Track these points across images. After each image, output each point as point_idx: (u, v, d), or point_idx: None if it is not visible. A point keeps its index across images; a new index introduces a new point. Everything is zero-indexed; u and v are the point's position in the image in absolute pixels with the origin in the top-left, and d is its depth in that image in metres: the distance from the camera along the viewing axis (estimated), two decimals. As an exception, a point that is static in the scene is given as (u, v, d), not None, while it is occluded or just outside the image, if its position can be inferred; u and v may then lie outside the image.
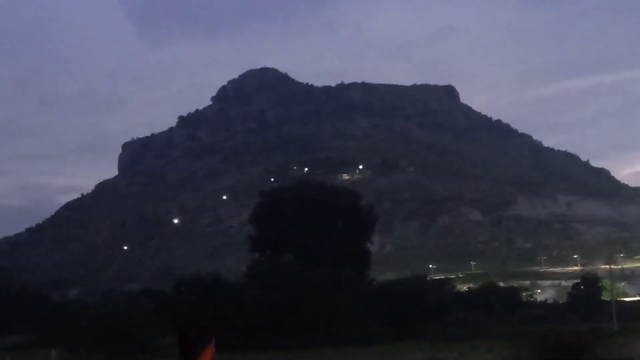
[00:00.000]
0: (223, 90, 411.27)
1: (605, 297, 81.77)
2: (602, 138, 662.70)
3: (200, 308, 48.93)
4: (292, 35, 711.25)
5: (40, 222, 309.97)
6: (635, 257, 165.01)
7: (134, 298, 58.65)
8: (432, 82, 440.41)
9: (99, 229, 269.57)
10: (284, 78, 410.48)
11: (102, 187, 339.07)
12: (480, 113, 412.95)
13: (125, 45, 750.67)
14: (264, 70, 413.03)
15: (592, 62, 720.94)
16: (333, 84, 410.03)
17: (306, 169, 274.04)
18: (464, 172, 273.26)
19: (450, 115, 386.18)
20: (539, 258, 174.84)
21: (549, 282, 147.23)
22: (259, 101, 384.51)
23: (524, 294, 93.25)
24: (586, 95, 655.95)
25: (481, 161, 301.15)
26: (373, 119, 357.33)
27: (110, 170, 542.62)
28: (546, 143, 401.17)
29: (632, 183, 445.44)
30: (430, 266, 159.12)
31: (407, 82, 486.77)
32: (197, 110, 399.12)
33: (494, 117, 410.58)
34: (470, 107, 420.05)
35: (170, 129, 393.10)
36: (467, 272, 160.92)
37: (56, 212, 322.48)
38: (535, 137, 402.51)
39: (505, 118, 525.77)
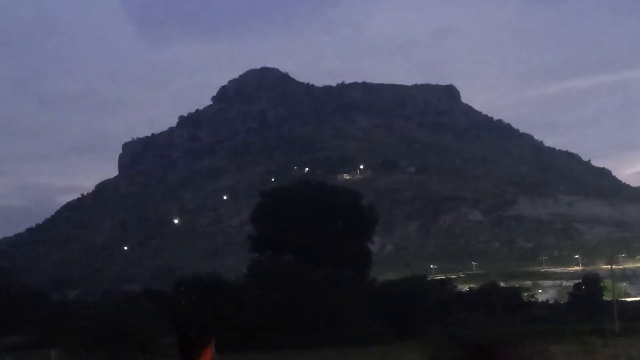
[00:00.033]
0: (223, 90, 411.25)
1: (607, 297, 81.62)
2: (603, 138, 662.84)
3: (201, 308, 48.87)
4: (292, 35, 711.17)
5: (41, 222, 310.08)
6: (637, 257, 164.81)
7: (134, 298, 58.66)
8: (432, 81, 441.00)
9: (99, 229, 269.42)
10: (285, 78, 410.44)
11: (103, 187, 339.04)
12: (481, 113, 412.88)
13: (126, 45, 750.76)
14: (265, 70, 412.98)
15: (592, 62, 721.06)
16: (333, 84, 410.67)
17: (307, 169, 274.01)
18: (464, 172, 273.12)
19: (451, 115, 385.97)
20: (540, 258, 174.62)
21: (550, 282, 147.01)
22: (260, 101, 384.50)
23: (525, 294, 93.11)
24: (587, 95, 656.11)
25: (482, 161, 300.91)
26: (373, 119, 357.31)
27: (110, 170, 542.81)
28: (547, 143, 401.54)
29: (634, 183, 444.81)
30: (431, 266, 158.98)
31: (408, 81, 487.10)
32: (197, 110, 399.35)
33: (495, 117, 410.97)
34: (471, 107, 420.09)
35: (171, 129, 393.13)
36: (468, 272, 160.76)
37: (56, 212, 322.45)
38: (536, 137, 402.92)
39: (506, 118, 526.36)
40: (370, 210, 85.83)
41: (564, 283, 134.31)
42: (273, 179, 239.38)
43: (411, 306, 60.75)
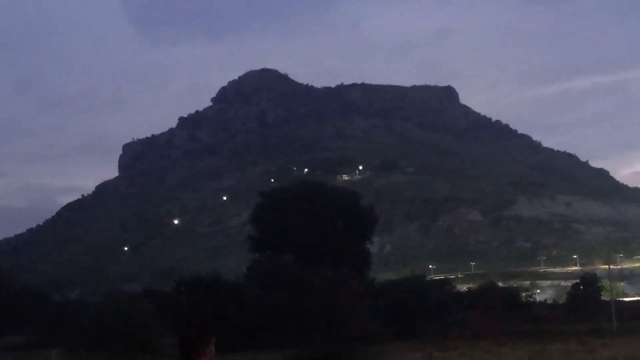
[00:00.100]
0: (223, 91, 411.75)
1: (605, 297, 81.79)
2: (602, 138, 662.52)
3: (201, 308, 49.10)
4: (292, 36, 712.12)
5: (41, 222, 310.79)
6: (635, 257, 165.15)
7: (134, 298, 58.73)
8: (431, 82, 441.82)
9: (100, 229, 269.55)
10: (284, 79, 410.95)
11: (103, 188, 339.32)
12: (479, 113, 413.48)
13: (126, 46, 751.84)
14: (264, 71, 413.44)
15: (592, 62, 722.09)
16: (333, 85, 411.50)
17: (306, 169, 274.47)
18: (463, 172, 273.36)
19: (450, 115, 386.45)
20: (538, 258, 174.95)
21: (548, 282, 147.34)
22: (259, 102, 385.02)
23: (524, 294, 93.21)
24: (586, 95, 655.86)
25: (481, 161, 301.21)
26: (373, 120, 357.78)
27: (110, 171, 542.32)
28: (546, 143, 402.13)
29: (632, 183, 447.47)
30: (430, 266, 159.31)
31: (407, 82, 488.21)
32: (197, 111, 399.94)
33: (494, 118, 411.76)
34: (470, 108, 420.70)
35: (171, 129, 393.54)
36: (467, 272, 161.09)
37: (57, 213, 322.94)
38: (534, 137, 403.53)
39: (505, 118, 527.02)
40: (370, 210, 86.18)
41: (562, 283, 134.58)
42: (273, 180, 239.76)
43: (410, 306, 61.03)
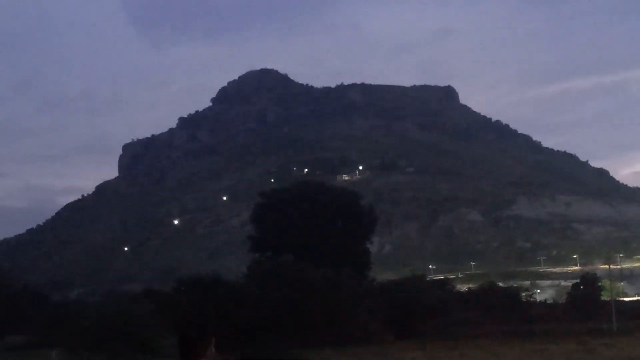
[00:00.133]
0: (223, 91, 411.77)
1: (605, 296, 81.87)
2: (602, 138, 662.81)
3: (201, 308, 49.13)
4: (292, 37, 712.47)
5: (41, 223, 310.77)
6: (635, 256, 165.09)
7: (134, 298, 58.73)
8: (431, 82, 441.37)
9: (100, 229, 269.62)
10: (284, 79, 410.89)
11: (103, 188, 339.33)
12: (479, 113, 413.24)
13: (126, 47, 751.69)
14: (264, 72, 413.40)
15: (592, 62, 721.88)
16: (333, 85, 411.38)
17: (306, 169, 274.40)
18: (463, 172, 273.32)
19: (449, 115, 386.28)
20: (538, 258, 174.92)
21: (548, 282, 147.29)
22: (259, 102, 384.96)
23: (524, 294, 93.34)
24: (586, 95, 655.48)
25: (481, 161, 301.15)
26: (373, 120, 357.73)
27: (110, 171, 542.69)
28: (546, 143, 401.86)
29: (632, 183, 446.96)
30: (430, 266, 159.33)
31: (407, 82, 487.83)
32: (197, 111, 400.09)
33: (494, 118, 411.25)
34: (470, 108, 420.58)
35: (171, 130, 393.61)
36: (467, 272, 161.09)
37: (57, 213, 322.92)
38: (534, 138, 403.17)
39: (505, 118, 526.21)
40: (370, 210, 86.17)
41: (562, 283, 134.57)
42: (273, 180, 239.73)
43: (410, 306, 61.08)
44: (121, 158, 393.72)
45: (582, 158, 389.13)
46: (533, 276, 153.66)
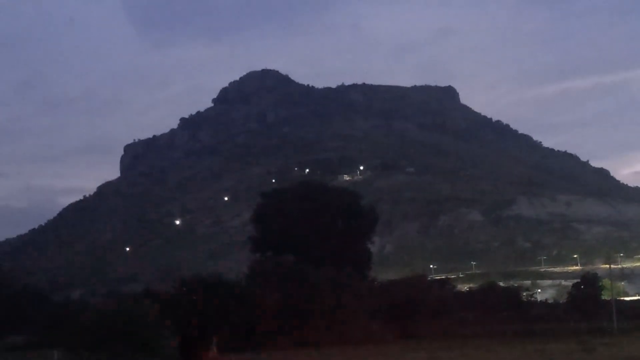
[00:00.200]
0: (224, 92, 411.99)
1: (605, 296, 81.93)
2: (602, 138, 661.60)
3: (202, 308, 49.18)
4: (292, 37, 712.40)
5: (43, 223, 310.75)
6: (635, 256, 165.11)
7: (135, 298, 58.76)
8: (432, 83, 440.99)
9: (101, 230, 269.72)
10: (285, 79, 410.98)
11: (104, 189, 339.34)
12: (480, 113, 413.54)
13: (127, 47, 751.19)
14: (265, 72, 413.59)
15: (592, 62, 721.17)
16: (333, 85, 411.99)
17: (307, 169, 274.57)
18: (463, 172, 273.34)
19: (450, 115, 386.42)
20: (539, 258, 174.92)
21: (549, 282, 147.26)
22: (260, 102, 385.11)
23: (524, 293, 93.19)
24: (586, 95, 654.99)
25: (481, 161, 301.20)
26: (373, 120, 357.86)
27: (112, 171, 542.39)
28: (546, 143, 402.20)
29: (632, 183, 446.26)
30: (431, 266, 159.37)
31: (407, 83, 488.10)
32: (198, 111, 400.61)
33: (494, 118, 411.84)
34: (470, 108, 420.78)
35: (172, 130, 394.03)
36: (468, 272, 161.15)
37: (58, 214, 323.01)
38: (535, 138, 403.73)
39: (505, 118, 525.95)
40: (370, 210, 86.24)
41: (563, 282, 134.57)
42: (273, 180, 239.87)
43: (411, 306, 61.13)
44: (122, 158, 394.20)
45: (583, 158, 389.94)
46: (533, 276, 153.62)
